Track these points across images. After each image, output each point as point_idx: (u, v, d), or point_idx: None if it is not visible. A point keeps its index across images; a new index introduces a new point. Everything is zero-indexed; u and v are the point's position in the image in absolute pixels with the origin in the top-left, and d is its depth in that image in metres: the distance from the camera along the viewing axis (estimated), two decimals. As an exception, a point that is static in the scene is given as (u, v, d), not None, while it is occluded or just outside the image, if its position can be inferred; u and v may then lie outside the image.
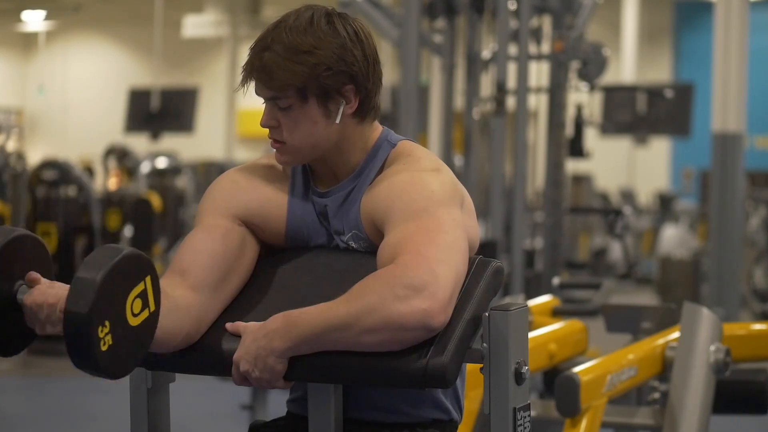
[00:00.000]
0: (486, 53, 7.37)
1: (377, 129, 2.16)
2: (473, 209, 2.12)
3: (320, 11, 2.07)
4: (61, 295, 1.87)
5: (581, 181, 15.36)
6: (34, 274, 1.91)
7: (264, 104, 2.10)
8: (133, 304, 1.84)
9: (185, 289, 2.04)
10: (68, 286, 1.85)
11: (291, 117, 2.07)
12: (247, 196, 2.15)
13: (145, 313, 1.86)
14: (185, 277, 2.05)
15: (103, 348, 1.79)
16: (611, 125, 11.34)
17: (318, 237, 2.16)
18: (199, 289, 2.05)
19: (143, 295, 1.86)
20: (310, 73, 2.04)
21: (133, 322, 1.84)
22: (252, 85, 2.09)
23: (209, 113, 21.16)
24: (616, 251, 13.62)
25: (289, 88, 2.05)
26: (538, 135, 9.52)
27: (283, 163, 2.14)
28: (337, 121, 2.08)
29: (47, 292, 1.88)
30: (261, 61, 2.05)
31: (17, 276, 1.88)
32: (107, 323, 1.80)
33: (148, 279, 1.86)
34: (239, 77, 2.10)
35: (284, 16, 2.08)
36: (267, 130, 2.11)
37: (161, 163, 12.24)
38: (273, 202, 2.15)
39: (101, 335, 1.79)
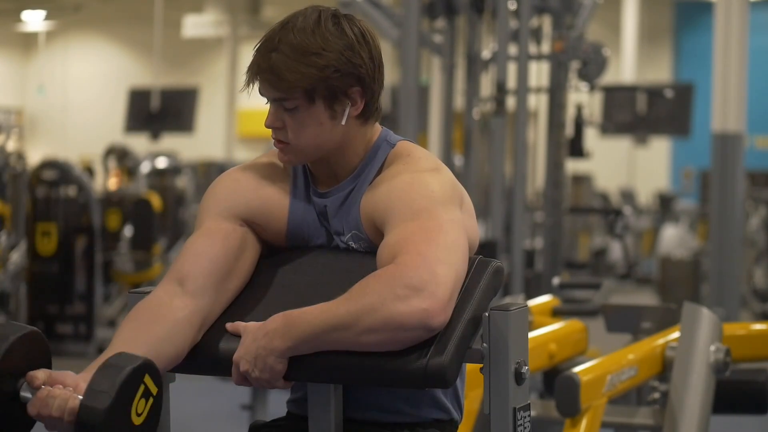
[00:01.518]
0: (486, 53, 7.37)
1: (377, 129, 2.16)
2: (472, 209, 2.12)
3: (327, 12, 2.07)
4: (62, 407, 1.84)
5: (581, 181, 15.35)
6: (34, 379, 1.88)
7: (268, 104, 2.09)
8: (137, 407, 1.85)
9: (184, 297, 2.04)
10: (70, 382, 1.87)
11: (297, 118, 2.07)
12: (249, 195, 2.15)
13: (150, 403, 1.88)
14: (185, 284, 2.05)
15: None
16: (611, 125, 11.34)
17: (318, 237, 2.16)
18: (199, 295, 2.05)
19: (145, 393, 1.87)
20: (319, 75, 2.03)
21: (138, 421, 1.86)
22: (256, 85, 2.08)
23: (209, 113, 21.15)
24: (616, 251, 13.62)
25: (296, 90, 2.04)
26: (538, 135, 9.52)
27: (286, 163, 2.14)
28: (343, 122, 2.08)
29: (48, 404, 1.85)
30: (268, 62, 2.04)
31: (19, 373, 1.89)
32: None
33: (146, 378, 1.87)
34: (242, 77, 2.09)
35: (291, 17, 2.08)
36: (268, 130, 2.11)
37: (161, 163, 12.23)
38: (275, 201, 2.15)
39: None
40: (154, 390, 1.87)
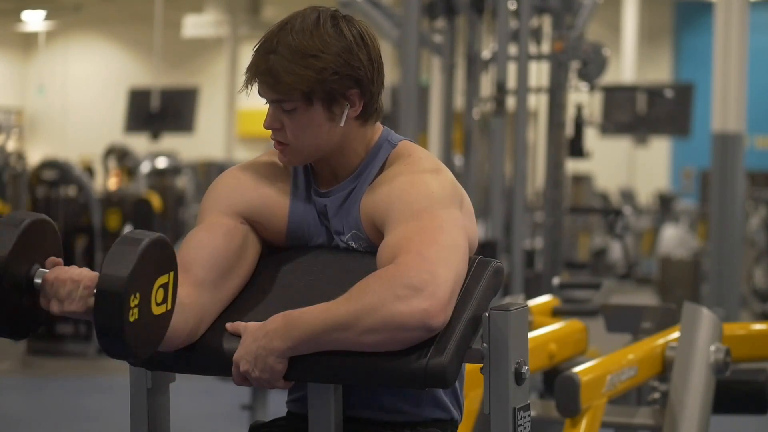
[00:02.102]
0: (486, 53, 7.37)
1: (378, 129, 2.16)
2: (472, 210, 2.12)
3: (326, 13, 2.07)
4: (85, 275, 1.88)
5: (581, 181, 15.37)
6: (55, 259, 1.92)
7: (267, 105, 2.09)
8: (157, 292, 1.85)
9: (188, 286, 2.04)
10: (87, 269, 1.88)
11: (295, 120, 2.07)
12: (250, 193, 2.15)
13: (164, 308, 1.88)
14: (187, 275, 2.05)
15: (131, 319, 1.80)
16: (611, 125, 11.34)
17: (318, 236, 2.16)
18: (201, 287, 2.05)
19: (165, 288, 1.87)
20: (317, 77, 2.03)
21: (156, 310, 1.86)
22: (254, 86, 2.08)
23: (209, 113, 21.16)
24: (616, 251, 13.63)
25: (294, 92, 2.04)
26: (538, 135, 9.52)
27: (286, 164, 2.14)
28: (342, 124, 2.08)
29: (70, 270, 1.89)
30: (266, 63, 2.04)
31: (33, 260, 1.88)
32: (138, 296, 1.81)
33: (172, 274, 1.88)
34: (242, 78, 2.09)
35: (289, 18, 2.07)
36: (268, 130, 2.11)
37: (161, 163, 12.24)
38: (275, 200, 2.15)
39: (132, 305, 1.80)
40: (170, 300, 1.87)
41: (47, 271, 1.89)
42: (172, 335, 1.99)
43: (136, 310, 1.80)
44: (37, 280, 1.88)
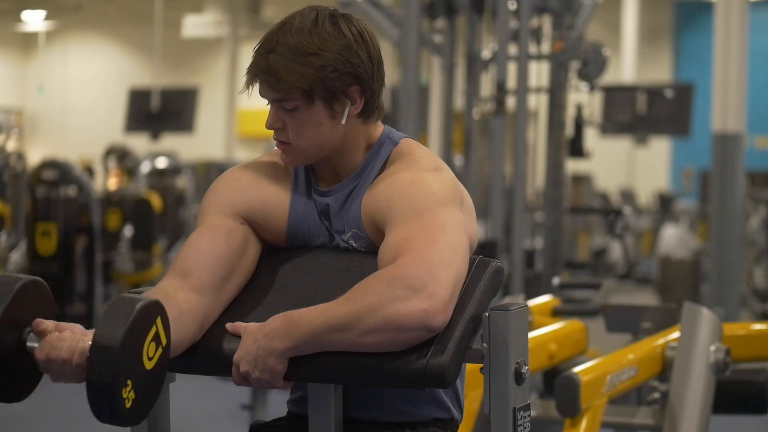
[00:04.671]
0: (486, 53, 7.37)
1: (379, 127, 2.16)
2: (473, 209, 2.12)
3: (324, 12, 2.07)
4: (73, 348, 1.84)
5: (581, 181, 15.36)
6: (41, 324, 1.88)
7: (269, 105, 2.10)
8: (148, 349, 1.84)
9: (188, 291, 2.04)
10: (78, 331, 1.85)
11: (297, 118, 2.07)
12: (250, 193, 2.15)
13: (159, 351, 1.87)
14: (188, 278, 2.05)
15: (128, 405, 1.81)
16: (611, 125, 11.34)
17: (319, 236, 2.16)
18: (201, 291, 2.05)
19: (156, 337, 1.86)
20: (317, 75, 2.03)
21: (149, 365, 1.85)
22: (255, 87, 2.08)
23: (209, 113, 21.15)
24: (616, 251, 13.62)
25: (295, 91, 2.04)
26: (538, 135, 9.52)
27: (289, 163, 2.14)
28: (343, 122, 2.08)
29: (58, 346, 1.85)
30: (266, 63, 2.04)
31: (25, 323, 1.87)
32: (129, 382, 1.81)
33: (158, 320, 1.86)
34: (242, 79, 2.09)
35: (288, 18, 2.08)
36: (266, 130, 2.12)
37: (161, 163, 12.23)
38: (275, 199, 2.15)
39: (125, 395, 1.80)
40: (163, 338, 1.86)
41: (39, 335, 1.87)
42: (176, 346, 1.99)
43: (131, 393, 1.81)
44: (30, 344, 1.87)
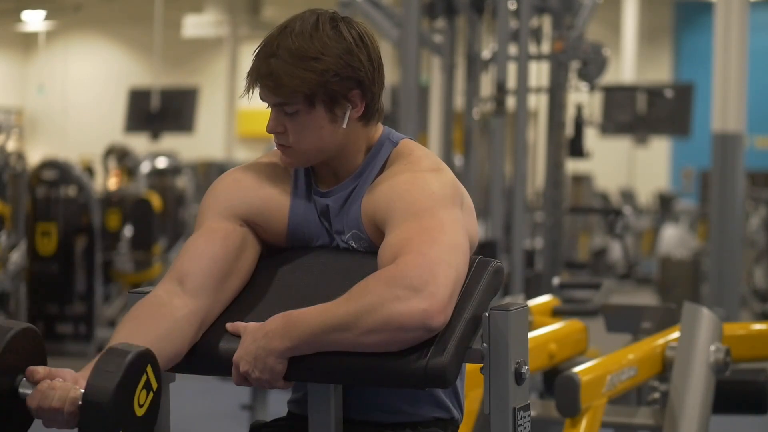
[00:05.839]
0: (486, 53, 7.37)
1: (379, 128, 2.16)
2: (473, 209, 2.13)
3: (324, 16, 2.07)
4: (64, 398, 1.84)
5: (581, 181, 15.36)
6: (35, 374, 1.87)
7: (269, 109, 2.10)
8: (138, 397, 1.85)
9: (184, 296, 2.04)
10: (69, 378, 1.86)
11: (298, 122, 2.07)
12: (250, 194, 2.15)
13: (150, 397, 1.87)
14: (184, 283, 2.05)
15: None
16: (611, 125, 11.35)
17: (319, 237, 2.16)
18: (198, 295, 2.05)
19: (147, 385, 1.86)
20: (318, 79, 2.03)
21: (140, 412, 1.85)
22: (256, 91, 2.08)
23: (209, 113, 21.15)
24: (616, 251, 13.62)
25: (296, 95, 2.04)
26: (538, 135, 9.52)
27: (289, 165, 2.14)
28: (344, 125, 2.08)
29: (49, 395, 1.85)
30: (268, 67, 2.04)
31: (17, 370, 1.89)
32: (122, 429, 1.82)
33: (149, 368, 1.87)
34: (242, 78, 2.09)
35: (289, 21, 2.08)
36: (268, 130, 2.12)
37: (161, 163, 12.23)
38: (275, 200, 2.15)
39: None
40: (154, 384, 1.87)
41: (33, 383, 1.88)
42: (174, 358, 2.01)
43: None
44: (22, 390, 1.88)
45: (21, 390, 1.88)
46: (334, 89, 2.05)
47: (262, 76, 2.05)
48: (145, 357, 1.86)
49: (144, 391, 1.85)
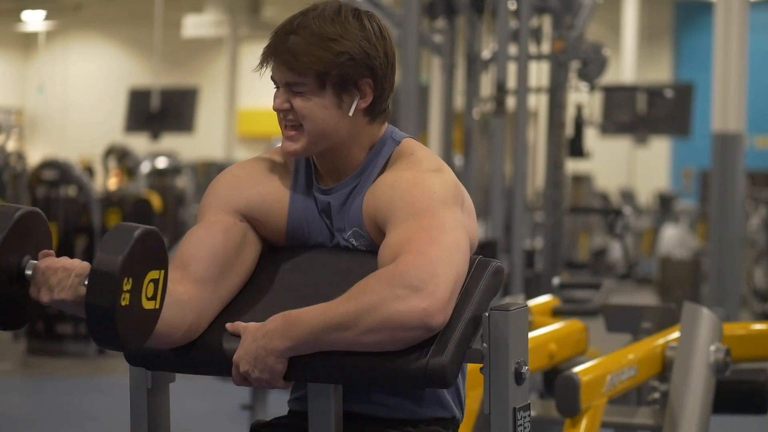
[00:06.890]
0: (486, 53, 7.37)
1: (383, 127, 2.17)
2: (473, 209, 2.13)
3: (348, 6, 2.11)
4: (77, 264, 1.87)
5: (581, 181, 15.37)
6: (47, 251, 1.91)
7: (277, 89, 2.10)
8: (148, 285, 1.85)
9: (186, 283, 2.04)
10: (79, 260, 1.88)
11: (305, 102, 2.08)
12: (249, 191, 2.15)
13: (153, 304, 1.88)
14: (186, 271, 2.05)
15: (123, 303, 1.80)
16: (611, 125, 11.34)
17: (319, 234, 2.16)
18: (200, 284, 2.05)
19: (156, 284, 1.87)
20: (334, 60, 2.05)
21: (146, 305, 1.86)
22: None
23: (209, 113, 21.14)
24: (616, 251, 13.62)
25: (309, 72, 2.05)
26: (538, 135, 9.52)
27: (292, 154, 2.12)
28: (350, 113, 2.09)
29: (62, 259, 1.88)
30: (286, 43, 2.06)
31: (24, 251, 1.89)
32: (130, 281, 1.81)
33: (163, 272, 1.89)
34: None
35: (311, 6, 2.11)
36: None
37: (161, 163, 12.24)
38: (275, 197, 2.15)
39: (124, 288, 1.80)
40: (160, 293, 1.87)
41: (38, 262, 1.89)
42: (171, 331, 1.99)
43: (127, 296, 1.81)
44: (28, 272, 1.88)
45: (27, 271, 1.88)
46: (347, 73, 2.06)
47: (280, 51, 2.06)
48: (165, 255, 1.88)
49: (152, 286, 1.86)
